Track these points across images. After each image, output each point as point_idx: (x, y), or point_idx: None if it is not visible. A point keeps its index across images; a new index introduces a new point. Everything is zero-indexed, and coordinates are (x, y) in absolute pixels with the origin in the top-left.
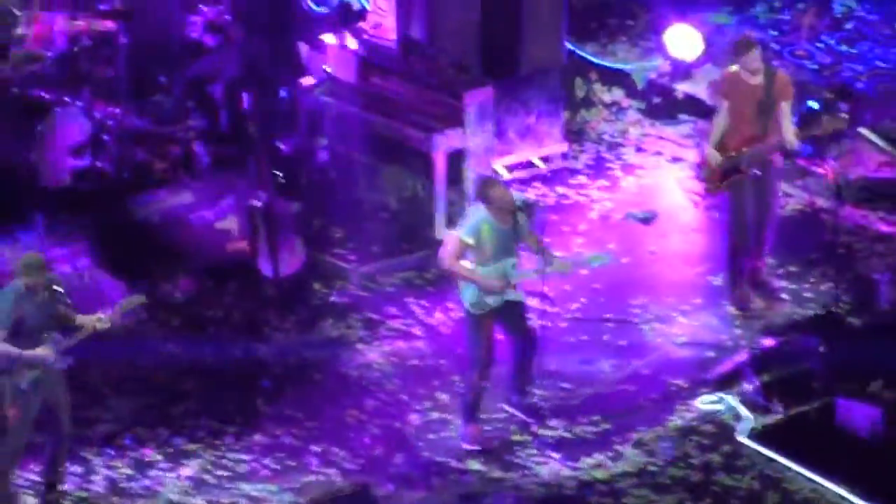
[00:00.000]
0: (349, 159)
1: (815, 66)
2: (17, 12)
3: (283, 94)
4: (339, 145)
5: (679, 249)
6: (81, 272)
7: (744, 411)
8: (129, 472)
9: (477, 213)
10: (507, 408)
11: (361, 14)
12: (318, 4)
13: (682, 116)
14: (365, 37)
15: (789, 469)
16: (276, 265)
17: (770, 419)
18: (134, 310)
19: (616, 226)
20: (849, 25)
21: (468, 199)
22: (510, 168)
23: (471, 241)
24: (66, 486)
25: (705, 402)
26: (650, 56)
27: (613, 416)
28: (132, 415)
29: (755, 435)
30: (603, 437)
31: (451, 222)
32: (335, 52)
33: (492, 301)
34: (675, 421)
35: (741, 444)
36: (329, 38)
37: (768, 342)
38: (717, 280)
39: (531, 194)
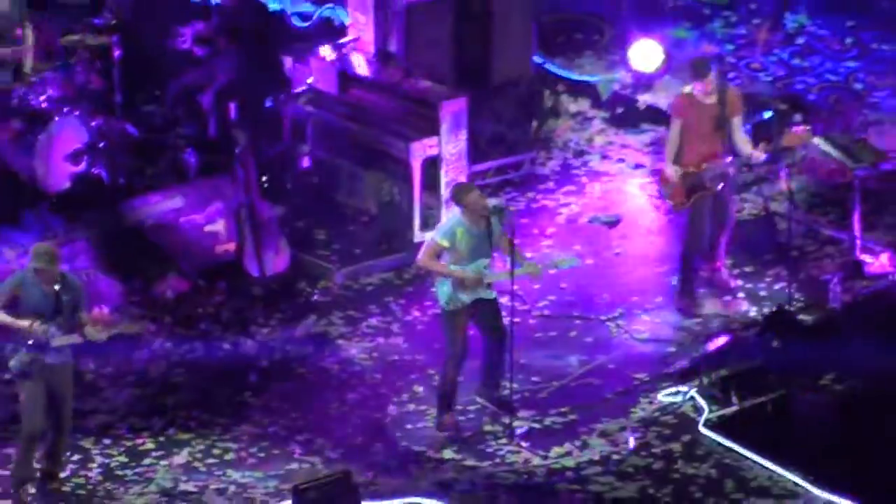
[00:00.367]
0: (331, 165)
1: (769, 79)
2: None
3: (268, 103)
4: (321, 152)
5: (641, 251)
6: (79, 272)
7: (702, 403)
8: (123, 459)
9: (452, 217)
10: (479, 399)
11: (342, 29)
12: (301, 20)
13: (644, 126)
14: (345, 50)
15: (746, 458)
16: (262, 265)
17: (727, 411)
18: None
19: (582, 229)
20: (801, 40)
21: (444, 203)
22: (482, 174)
23: (446, 243)
24: (64, 474)
25: (666, 395)
26: (614, 69)
27: (580, 408)
28: (127, 406)
29: (713, 425)
30: (570, 428)
31: (428, 226)
32: (317, 64)
33: (466, 298)
34: (638, 412)
35: (700, 434)
36: (313, 51)
37: (725, 338)
38: (675, 280)
39: (502, 199)
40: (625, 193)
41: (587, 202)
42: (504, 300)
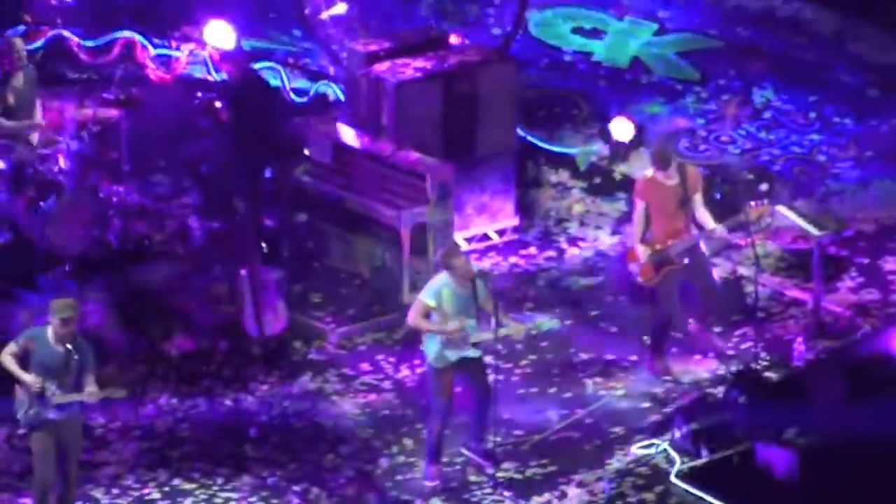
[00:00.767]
0: (326, 232)
1: (738, 151)
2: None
3: (267, 173)
4: (316, 219)
5: (618, 312)
6: (89, 333)
7: (674, 455)
8: None
9: (439, 279)
10: (465, 451)
11: (337, 104)
12: (297, 95)
13: (620, 194)
14: (339, 123)
15: None
16: (261, 326)
17: (697, 462)
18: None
19: (562, 291)
20: (767, 114)
21: (432, 267)
22: (468, 240)
23: (432, 303)
24: None
25: (640, 448)
26: (591, 141)
27: (559, 460)
28: (134, 458)
29: (684, 476)
30: (550, 478)
31: (417, 289)
32: (313, 137)
33: (452, 356)
34: (614, 464)
35: (672, 485)
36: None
37: (695, 395)
38: (650, 341)
39: (487, 263)
40: (601, 258)
41: (566, 266)
42: (489, 358)
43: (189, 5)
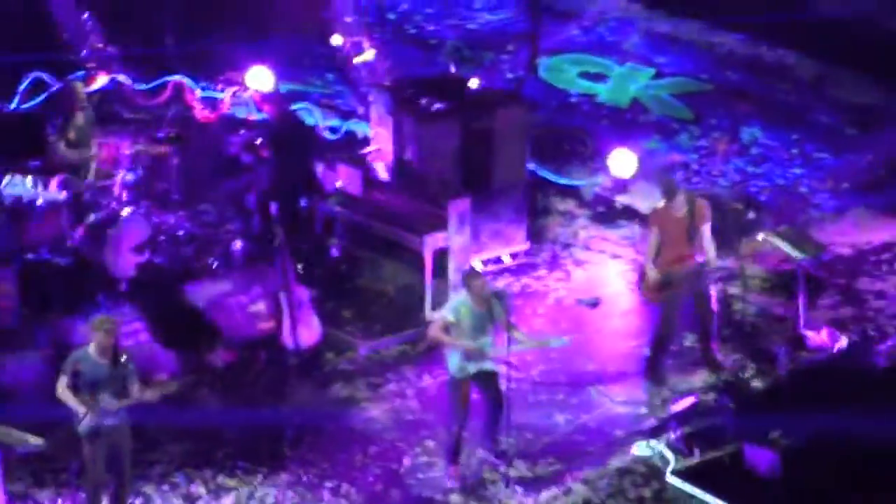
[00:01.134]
0: (355, 255)
1: (728, 183)
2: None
3: (303, 203)
4: (347, 244)
5: (618, 328)
6: (142, 346)
7: (669, 456)
8: (179, 503)
9: (458, 297)
10: (481, 452)
11: (365, 141)
12: (330, 132)
13: (621, 222)
14: (368, 159)
15: (706, 502)
16: (296, 340)
17: (690, 462)
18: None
19: (568, 309)
20: (754, 150)
21: (452, 287)
22: (484, 263)
23: (452, 318)
24: None
25: (639, 449)
26: (596, 174)
27: (566, 459)
28: (182, 457)
29: (678, 474)
30: (557, 476)
31: (437, 306)
32: (344, 170)
33: (471, 368)
34: (615, 463)
35: (667, 482)
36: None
37: (689, 401)
38: (648, 351)
39: (501, 284)
40: (604, 279)
41: (573, 286)
42: (503, 369)
43: (233, 52)
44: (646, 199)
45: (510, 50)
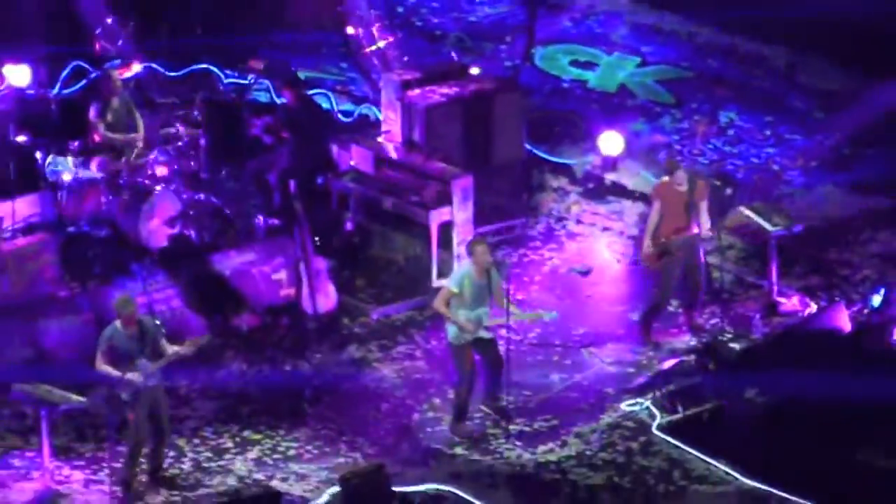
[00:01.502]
0: (368, 228)
1: (707, 161)
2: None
3: (319, 180)
4: (360, 218)
5: (608, 294)
6: (174, 311)
7: (655, 411)
8: (209, 455)
9: (462, 269)
10: (483, 409)
11: (376, 123)
12: (344, 116)
13: (610, 197)
14: (378, 139)
15: (689, 453)
16: (314, 306)
17: (674, 417)
18: (201, 345)
19: (562, 277)
20: (731, 132)
21: (455, 258)
22: (484, 235)
23: (456, 290)
24: (165, 467)
25: (627, 405)
26: (586, 153)
27: (561, 415)
28: (211, 414)
29: (663, 429)
30: (553, 431)
31: (443, 275)
32: (357, 150)
33: (469, 337)
34: (606, 418)
35: (653, 436)
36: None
37: (673, 362)
38: (635, 316)
39: (500, 254)
40: (595, 250)
41: (566, 256)
42: (503, 332)
43: (254, 41)
44: (632, 177)
45: (508, 40)
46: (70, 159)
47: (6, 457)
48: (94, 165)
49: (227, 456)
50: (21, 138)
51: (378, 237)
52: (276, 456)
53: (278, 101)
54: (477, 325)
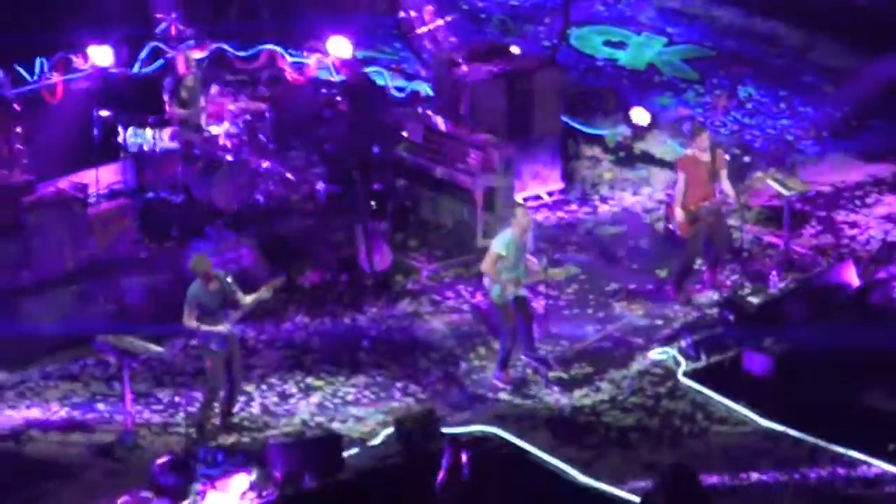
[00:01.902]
0: (419, 194)
1: (727, 132)
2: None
3: (375, 150)
4: (412, 184)
5: (638, 252)
6: (245, 269)
7: (681, 359)
8: (275, 400)
9: (506, 233)
10: (524, 358)
11: (428, 98)
12: (397, 92)
13: (639, 165)
14: (429, 112)
15: (711, 397)
16: (372, 264)
17: (698, 365)
18: (277, 288)
19: (595, 237)
20: (749, 105)
21: (498, 220)
22: (525, 199)
23: (503, 252)
24: (235, 411)
25: (656, 354)
26: (618, 125)
27: (595, 363)
28: (278, 362)
29: (688, 375)
30: (588, 377)
31: (487, 236)
32: (409, 123)
33: (510, 295)
34: (636, 366)
35: (679, 382)
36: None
37: (697, 314)
38: (664, 273)
39: (540, 216)
40: (626, 213)
41: (599, 219)
42: (542, 289)
43: (316, 25)
44: (660, 146)
45: (546, 22)
46: (148, 132)
47: (91, 401)
48: (168, 137)
49: (292, 401)
50: (104, 113)
51: (428, 202)
52: (336, 400)
53: (338, 77)
54: (518, 283)
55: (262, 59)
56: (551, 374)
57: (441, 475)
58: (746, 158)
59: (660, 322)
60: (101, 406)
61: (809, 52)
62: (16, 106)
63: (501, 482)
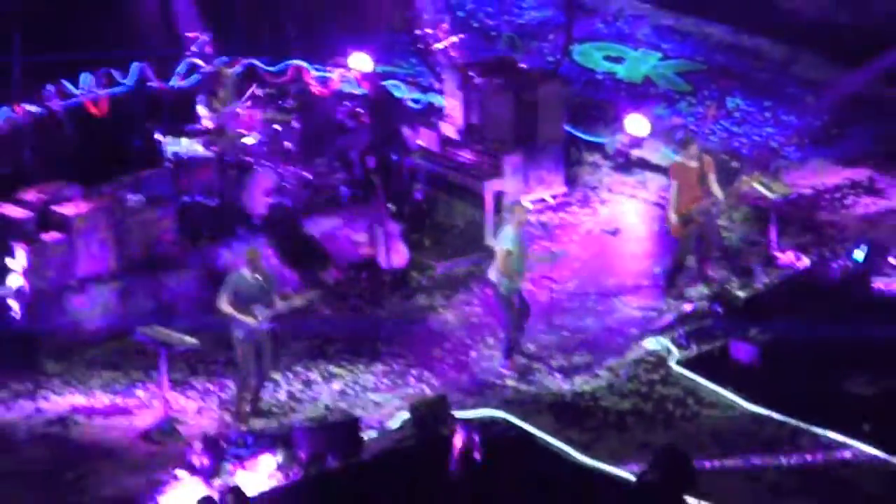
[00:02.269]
0: (433, 197)
1: (716, 140)
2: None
3: (393, 157)
4: (427, 189)
5: (634, 251)
6: (273, 267)
7: (673, 349)
8: (300, 387)
9: (508, 230)
10: (530, 348)
11: (441, 109)
12: (414, 103)
13: (636, 170)
14: (442, 122)
15: (701, 383)
16: (389, 262)
17: (689, 353)
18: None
19: (595, 237)
20: (737, 114)
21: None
22: (531, 202)
23: (513, 248)
24: (263, 397)
25: (650, 343)
26: (616, 133)
27: (594, 352)
28: (303, 352)
29: (680, 363)
30: (587, 365)
31: (495, 236)
32: (424, 132)
33: (515, 287)
34: (632, 355)
35: (671, 369)
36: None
37: (688, 307)
38: (658, 269)
39: (545, 218)
40: (623, 214)
41: (599, 220)
42: (546, 282)
43: (339, 42)
44: (655, 153)
45: (550, 39)
46: (184, 140)
47: (131, 388)
48: (202, 145)
49: (316, 387)
50: (145, 123)
51: (442, 205)
52: (356, 387)
53: (359, 90)
54: (522, 276)
55: (289, 73)
56: (553, 362)
57: (454, 456)
58: (734, 164)
59: (654, 314)
60: (140, 393)
61: (792, 66)
62: (63, 117)
63: (509, 462)
